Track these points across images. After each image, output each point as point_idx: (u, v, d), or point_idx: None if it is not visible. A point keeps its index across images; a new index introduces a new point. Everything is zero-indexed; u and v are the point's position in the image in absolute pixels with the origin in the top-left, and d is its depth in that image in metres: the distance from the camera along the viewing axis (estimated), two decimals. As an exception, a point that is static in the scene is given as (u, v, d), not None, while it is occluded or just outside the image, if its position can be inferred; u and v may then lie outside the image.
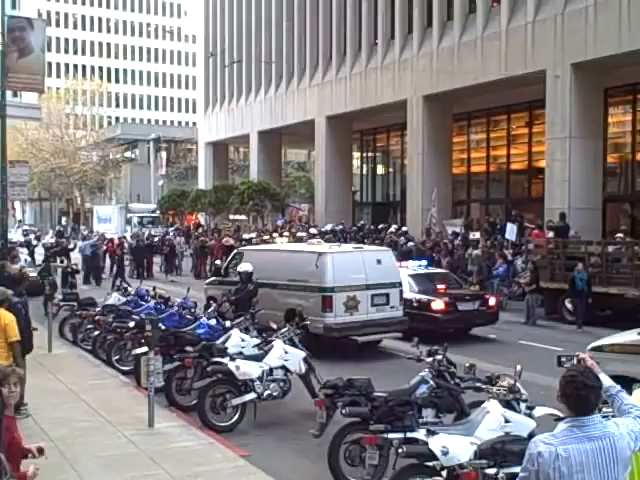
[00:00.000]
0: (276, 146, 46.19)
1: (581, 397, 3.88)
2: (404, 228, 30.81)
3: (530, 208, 29.07)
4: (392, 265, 16.15)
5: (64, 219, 74.86)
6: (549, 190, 25.32)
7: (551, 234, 22.27)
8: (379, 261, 15.58)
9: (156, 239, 36.38)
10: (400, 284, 15.92)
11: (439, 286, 17.82)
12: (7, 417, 5.19)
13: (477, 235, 26.07)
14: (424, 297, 16.95)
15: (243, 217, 45.03)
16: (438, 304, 16.71)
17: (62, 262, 24.56)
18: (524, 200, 31.51)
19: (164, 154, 68.82)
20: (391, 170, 41.81)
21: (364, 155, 43.47)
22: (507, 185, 33.44)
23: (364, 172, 43.62)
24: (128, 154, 77.12)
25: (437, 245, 25.76)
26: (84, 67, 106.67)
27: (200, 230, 41.41)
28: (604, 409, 6.29)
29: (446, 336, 12.47)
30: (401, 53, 32.49)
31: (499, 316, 18.01)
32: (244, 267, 15.24)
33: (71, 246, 30.76)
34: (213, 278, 19.78)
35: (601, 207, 25.78)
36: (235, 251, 19.99)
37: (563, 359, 5.04)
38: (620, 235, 21.68)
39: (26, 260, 22.28)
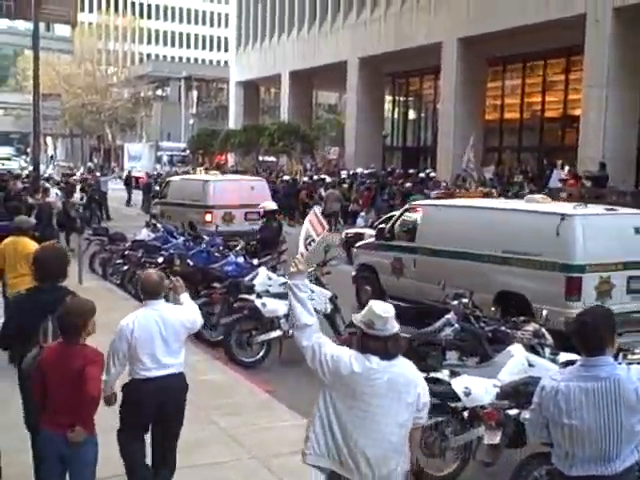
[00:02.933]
0: (307, 87, 45.78)
1: (582, 334, 3.89)
2: (432, 173, 30.53)
3: (563, 157, 28.61)
4: (265, 191, 20.50)
5: (95, 156, 75.26)
6: (583, 139, 24.91)
7: (589, 183, 21.94)
8: (252, 188, 20.42)
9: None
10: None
11: None
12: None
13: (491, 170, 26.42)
14: None
15: (272, 158, 44.92)
16: None
17: (82, 199, 24.72)
18: (557, 148, 31.05)
19: (195, 93, 68.63)
20: (423, 114, 41.29)
21: (396, 99, 42.91)
22: (540, 133, 32.91)
23: (395, 116, 43.12)
24: (159, 92, 76.97)
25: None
26: (117, 2, 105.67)
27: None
28: (629, 356, 6.31)
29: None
30: (438, -6, 31.80)
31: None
32: (268, 205, 15.35)
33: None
34: (157, 200, 24.76)
35: (635, 158, 25.35)
36: (167, 179, 26.12)
37: None
38: None
39: (57, 194, 22.40)
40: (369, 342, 4.18)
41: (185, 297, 5.88)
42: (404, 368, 4.28)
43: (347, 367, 4.18)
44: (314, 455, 4.33)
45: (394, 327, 4.20)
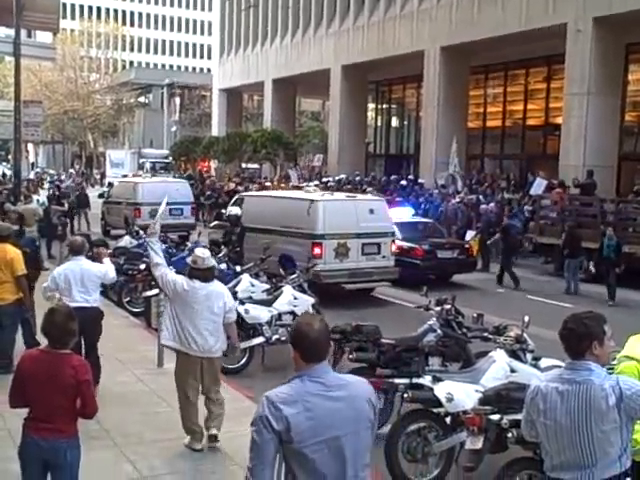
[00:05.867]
0: (290, 95, 45.77)
1: (562, 337, 3.92)
2: (420, 180, 30.49)
3: (545, 164, 28.80)
4: (187, 191, 26.52)
5: (76, 163, 74.81)
6: (565, 147, 25.07)
7: (577, 191, 22.17)
8: (177, 189, 25.45)
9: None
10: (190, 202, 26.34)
11: (421, 234, 19.27)
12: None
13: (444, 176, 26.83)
14: (406, 244, 17.86)
15: (255, 165, 44.89)
16: (418, 251, 17.96)
17: (62, 205, 24.70)
18: (539, 156, 31.24)
19: (178, 100, 68.42)
20: (405, 122, 41.41)
21: (379, 106, 43.00)
22: (522, 140, 33.10)
23: (378, 123, 43.19)
24: (142, 99, 76.69)
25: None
26: (99, 9, 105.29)
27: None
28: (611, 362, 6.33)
29: (427, 281, 12.52)
30: (420, 3, 31.92)
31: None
32: (233, 210, 16.96)
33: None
34: (103, 200, 28.41)
35: (616, 165, 25.54)
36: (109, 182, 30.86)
37: None
38: None
39: (38, 201, 22.25)
40: (194, 272, 7.07)
41: (106, 260, 9.29)
42: (216, 286, 7.20)
43: (181, 286, 7.03)
44: (165, 339, 7.28)
45: (209, 264, 7.13)
